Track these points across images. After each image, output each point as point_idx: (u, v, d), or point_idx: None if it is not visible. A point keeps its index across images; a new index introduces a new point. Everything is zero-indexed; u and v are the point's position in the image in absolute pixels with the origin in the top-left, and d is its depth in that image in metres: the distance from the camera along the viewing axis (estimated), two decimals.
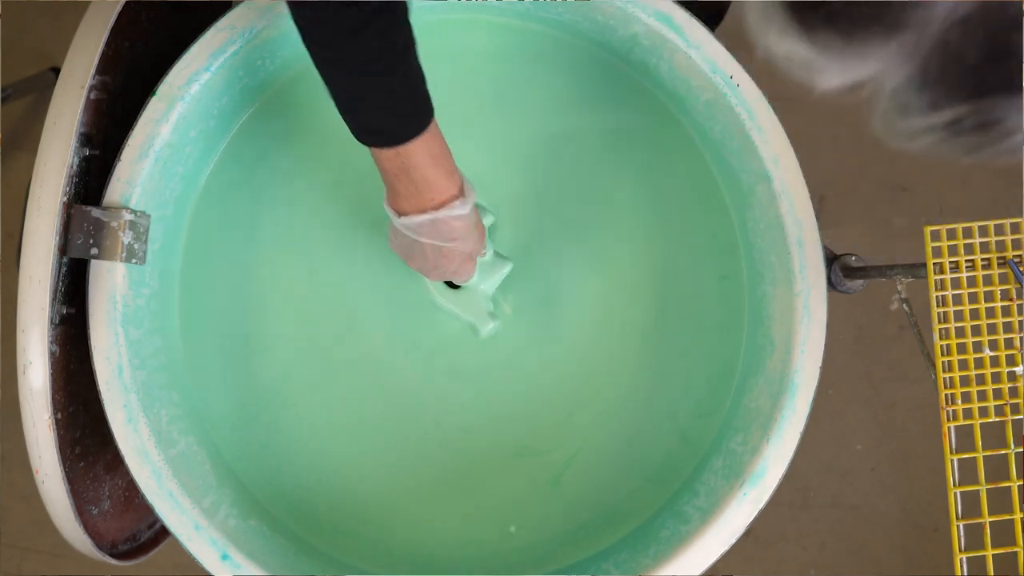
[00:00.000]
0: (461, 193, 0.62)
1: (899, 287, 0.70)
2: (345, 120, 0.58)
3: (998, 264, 0.65)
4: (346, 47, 0.53)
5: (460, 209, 0.61)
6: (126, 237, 0.64)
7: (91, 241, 0.62)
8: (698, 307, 0.75)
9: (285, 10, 0.54)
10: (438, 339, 0.74)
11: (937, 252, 0.65)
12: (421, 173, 0.59)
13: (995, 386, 0.64)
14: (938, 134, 0.45)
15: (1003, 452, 0.63)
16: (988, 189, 1.27)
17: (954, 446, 0.63)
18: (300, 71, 0.74)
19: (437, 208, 0.61)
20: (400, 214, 0.62)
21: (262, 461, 0.72)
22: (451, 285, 0.74)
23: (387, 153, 0.58)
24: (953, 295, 0.65)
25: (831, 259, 0.72)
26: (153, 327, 0.68)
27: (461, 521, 0.73)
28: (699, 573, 0.66)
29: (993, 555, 0.62)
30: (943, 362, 0.64)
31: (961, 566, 0.62)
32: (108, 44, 0.62)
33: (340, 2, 0.51)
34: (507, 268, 0.73)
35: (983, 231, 0.65)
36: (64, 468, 0.60)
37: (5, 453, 1.18)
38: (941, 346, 0.64)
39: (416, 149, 0.58)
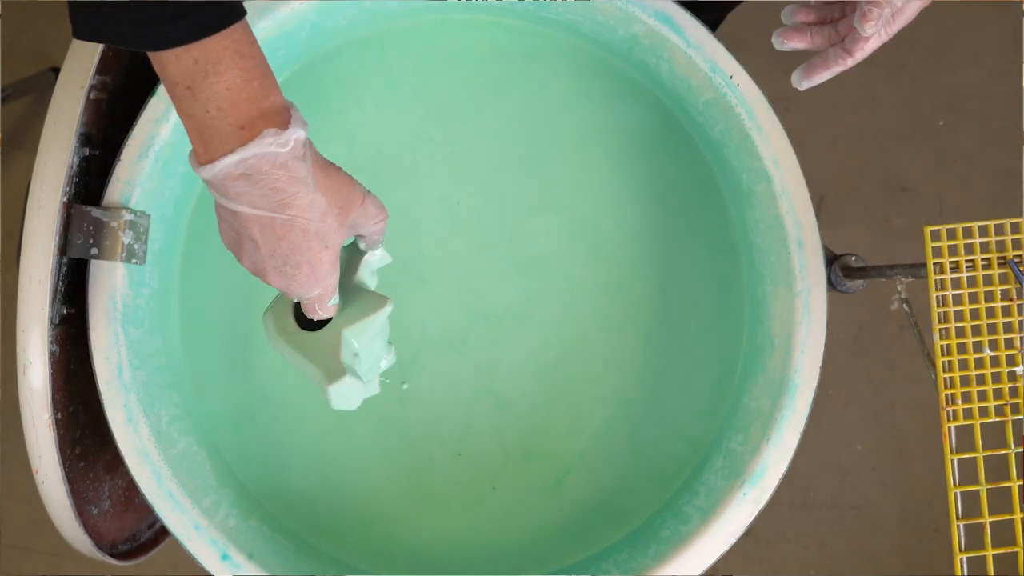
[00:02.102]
0: (284, 118, 0.43)
1: (899, 287, 0.70)
2: (129, 7, 0.39)
3: (998, 264, 0.65)
4: None
5: (283, 140, 0.42)
6: (126, 237, 0.64)
7: (91, 241, 0.62)
8: (698, 307, 0.75)
9: (285, 10, 0.54)
10: (440, 339, 0.74)
11: (937, 252, 0.65)
12: (227, 79, 0.41)
13: (995, 386, 0.64)
14: None
15: (1003, 452, 0.63)
16: (988, 189, 1.27)
17: (954, 446, 0.63)
18: (300, 70, 0.73)
19: (247, 140, 0.41)
20: (202, 161, 0.43)
21: (262, 461, 0.72)
22: (307, 324, 0.52)
23: (177, 52, 0.40)
24: (953, 295, 0.65)
25: (831, 259, 0.72)
26: (153, 327, 0.68)
27: (461, 521, 0.73)
28: (699, 573, 0.66)
29: (993, 555, 0.62)
30: (943, 362, 0.64)
31: (961, 566, 0.62)
32: (108, 44, 0.62)
33: None
34: (383, 308, 0.51)
35: (983, 231, 0.65)
36: (64, 468, 0.60)
37: (5, 453, 1.18)
38: (941, 346, 0.64)
39: (220, 43, 0.40)
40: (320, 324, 0.51)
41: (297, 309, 0.52)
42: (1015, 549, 0.61)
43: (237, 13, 0.41)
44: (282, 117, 0.43)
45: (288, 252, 0.45)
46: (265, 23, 0.67)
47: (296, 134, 0.42)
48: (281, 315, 0.52)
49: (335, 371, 0.50)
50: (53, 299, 0.59)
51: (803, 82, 0.61)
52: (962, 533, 0.62)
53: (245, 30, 0.41)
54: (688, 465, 0.74)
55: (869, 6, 0.55)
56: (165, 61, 0.40)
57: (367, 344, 0.51)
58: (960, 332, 0.65)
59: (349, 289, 0.53)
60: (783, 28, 0.62)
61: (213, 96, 0.41)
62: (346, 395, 0.51)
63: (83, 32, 0.40)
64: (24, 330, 0.58)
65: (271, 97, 0.42)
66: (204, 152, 0.42)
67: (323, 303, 0.50)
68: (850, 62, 0.59)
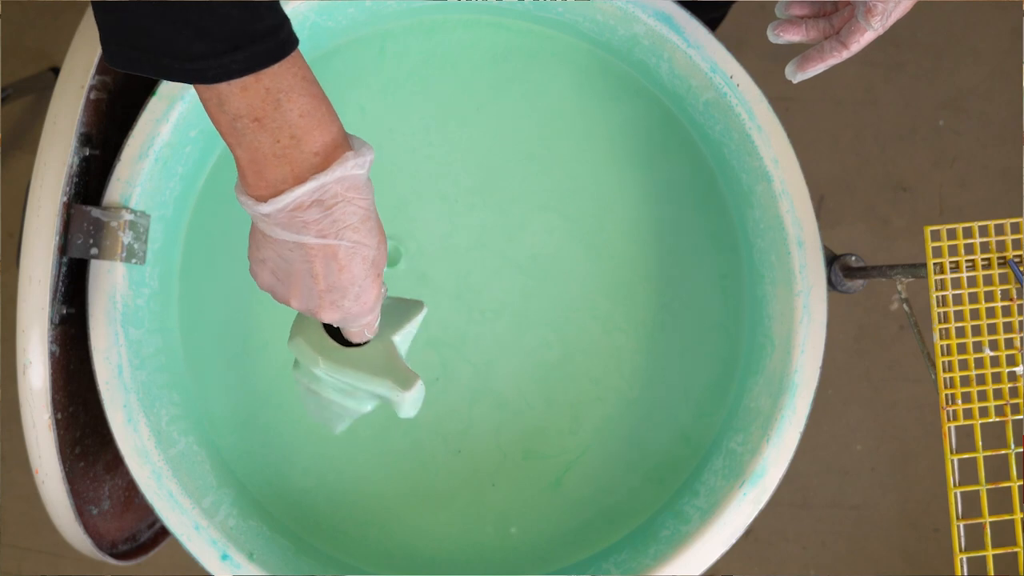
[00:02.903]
0: (348, 140, 0.42)
1: (899, 287, 0.70)
2: (173, 41, 0.36)
3: (998, 264, 0.65)
4: None
5: (358, 163, 0.41)
6: (126, 237, 0.64)
7: (91, 241, 0.62)
8: (698, 307, 0.75)
9: (286, 10, 0.54)
10: (440, 338, 0.74)
11: (937, 252, 0.65)
12: (299, 105, 0.39)
13: (995, 386, 0.64)
14: None
15: (1003, 452, 0.63)
16: (988, 189, 1.27)
17: (954, 446, 0.63)
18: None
19: (326, 165, 0.40)
20: (263, 198, 0.41)
21: (262, 461, 0.72)
22: (341, 342, 0.50)
23: (245, 82, 0.38)
24: (953, 295, 0.65)
25: (831, 259, 0.72)
26: (153, 327, 0.68)
27: (461, 521, 0.73)
28: (699, 573, 0.66)
29: (993, 555, 0.62)
30: (943, 362, 0.64)
31: (961, 566, 0.62)
32: None
33: None
34: (420, 312, 0.52)
35: (983, 231, 0.65)
36: (64, 468, 0.60)
37: (5, 453, 1.18)
38: (941, 346, 0.64)
39: (289, 71, 0.39)
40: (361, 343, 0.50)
41: (330, 329, 0.50)
42: (1015, 549, 0.61)
43: (295, 38, 0.39)
44: (347, 139, 0.42)
45: (347, 283, 0.44)
46: None
47: (370, 156, 0.42)
48: (315, 338, 0.50)
49: (407, 376, 0.48)
50: (53, 299, 0.59)
51: (797, 74, 0.61)
52: (962, 533, 0.62)
53: (301, 54, 0.40)
54: (688, 465, 0.74)
55: (874, 1, 0.55)
56: (227, 94, 0.38)
57: (407, 348, 0.51)
58: (960, 332, 0.65)
59: None
60: (777, 21, 0.62)
61: (286, 125, 0.39)
62: (419, 399, 0.49)
63: (119, 62, 0.38)
64: (24, 330, 0.58)
65: (336, 120, 0.41)
66: (267, 185, 0.40)
67: (372, 326, 0.48)
68: (845, 54, 0.59)
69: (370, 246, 0.43)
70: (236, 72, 0.37)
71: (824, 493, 1.24)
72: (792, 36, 0.62)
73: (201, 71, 0.37)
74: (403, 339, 0.50)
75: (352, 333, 0.48)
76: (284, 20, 0.39)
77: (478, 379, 0.74)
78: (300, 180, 0.40)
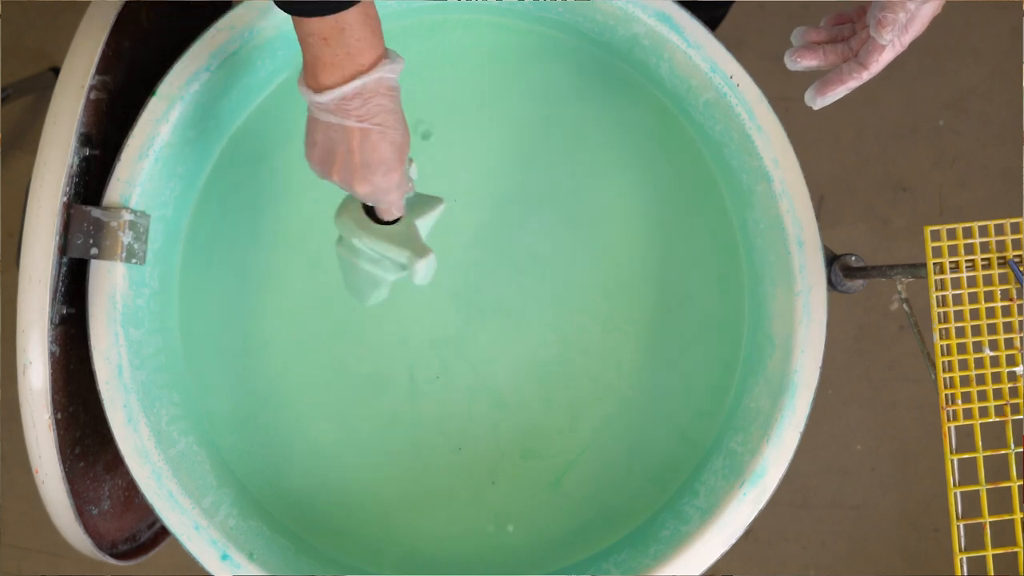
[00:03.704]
0: (389, 56, 0.55)
1: (899, 287, 0.70)
2: None
3: (998, 264, 0.65)
4: None
5: (391, 69, 0.55)
6: (126, 237, 0.64)
7: (91, 241, 0.62)
8: (698, 307, 0.75)
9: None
10: (439, 338, 0.74)
11: (937, 252, 0.65)
12: (356, 33, 0.53)
13: (995, 386, 0.64)
14: None
15: (1003, 452, 0.63)
16: (988, 189, 1.27)
17: (954, 446, 0.63)
18: (300, 70, 0.73)
19: (368, 70, 0.54)
20: (322, 88, 0.54)
21: (262, 461, 0.72)
22: (376, 221, 0.63)
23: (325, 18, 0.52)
24: (953, 295, 0.65)
25: (831, 259, 0.72)
26: (153, 327, 0.68)
27: (461, 521, 0.73)
28: (699, 573, 0.66)
29: (993, 555, 0.62)
30: (943, 362, 0.64)
31: (961, 566, 0.62)
32: (108, 44, 0.62)
33: None
34: (440, 205, 0.64)
35: (983, 231, 0.65)
36: (64, 468, 0.60)
37: (5, 453, 1.18)
38: (941, 346, 0.64)
39: (356, 11, 0.52)
40: (391, 221, 0.62)
41: (367, 210, 0.62)
42: (1015, 549, 0.61)
43: None
44: (388, 55, 0.55)
45: (378, 161, 0.56)
46: (265, 23, 0.67)
47: (401, 65, 0.55)
48: (356, 215, 0.62)
49: (423, 248, 0.60)
50: (53, 299, 0.59)
51: (817, 99, 0.60)
52: (962, 533, 0.62)
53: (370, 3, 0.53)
54: (688, 465, 0.74)
55: (884, 13, 0.55)
56: (307, 20, 0.52)
57: (426, 233, 0.63)
58: (960, 332, 0.65)
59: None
60: (795, 48, 0.61)
61: (343, 45, 0.52)
62: (429, 270, 0.61)
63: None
64: (24, 330, 0.58)
65: (382, 43, 0.54)
66: (325, 80, 0.53)
67: (399, 204, 0.60)
68: (865, 75, 0.58)
69: (397, 131, 0.56)
70: (324, 10, 0.51)
71: (824, 493, 1.24)
72: (810, 62, 0.61)
73: (302, 5, 0.51)
74: (423, 224, 0.62)
75: (382, 211, 0.60)
76: None
77: (477, 378, 0.74)
78: (351, 77, 0.53)
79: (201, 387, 0.72)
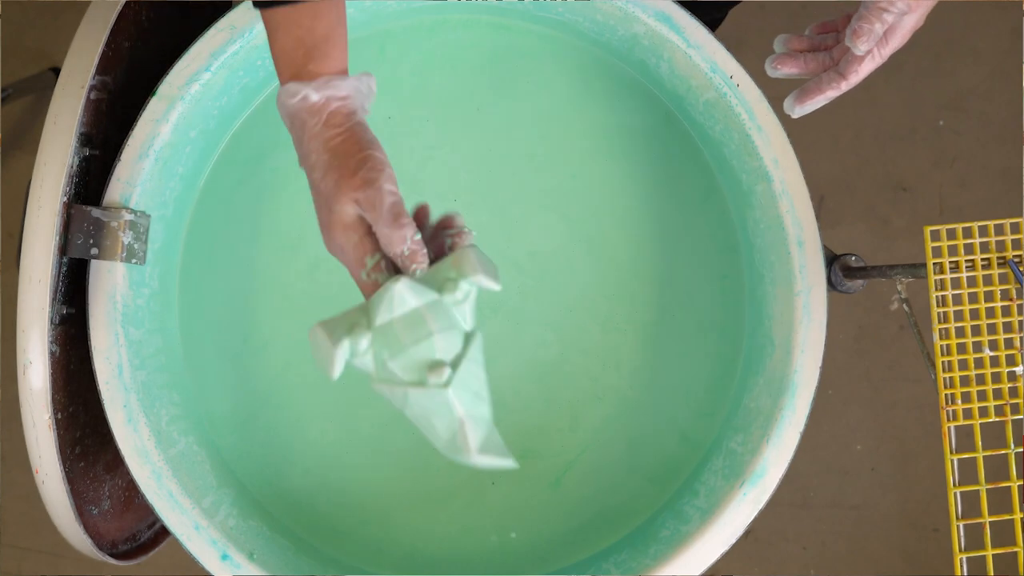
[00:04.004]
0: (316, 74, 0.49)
1: (899, 287, 0.70)
2: None
3: (998, 264, 0.65)
4: None
5: (293, 92, 0.48)
6: (126, 237, 0.64)
7: (91, 241, 0.62)
8: (698, 307, 0.75)
9: None
10: None
11: (937, 252, 0.65)
12: (278, 43, 0.49)
13: (995, 386, 0.64)
14: None
15: (1003, 452, 0.63)
16: (988, 189, 1.27)
17: (954, 446, 0.63)
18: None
19: (345, 70, 0.50)
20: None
21: (262, 461, 0.72)
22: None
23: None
24: (953, 295, 0.65)
25: (831, 259, 0.72)
26: (153, 327, 0.68)
27: (461, 521, 0.73)
28: (699, 573, 0.66)
29: (993, 555, 0.62)
30: (943, 362, 0.64)
31: (961, 566, 0.62)
32: (108, 44, 0.62)
33: None
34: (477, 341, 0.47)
35: (983, 231, 0.65)
36: (64, 468, 0.60)
37: (5, 453, 1.18)
38: (941, 346, 0.64)
39: (285, 13, 0.49)
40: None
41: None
42: (1015, 549, 0.61)
43: None
44: (318, 73, 0.49)
45: (314, 198, 0.50)
46: None
47: (305, 90, 0.48)
48: (352, 318, 0.50)
49: (465, 258, 0.48)
50: (53, 299, 0.59)
51: (796, 108, 0.60)
52: (962, 533, 0.62)
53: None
54: (688, 465, 0.74)
55: (860, 23, 0.55)
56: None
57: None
58: (960, 332, 0.65)
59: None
60: (776, 55, 0.61)
61: (274, 50, 0.49)
62: (491, 268, 0.49)
63: None
64: (24, 330, 0.58)
65: (313, 60, 0.49)
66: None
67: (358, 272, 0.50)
68: (844, 86, 0.58)
69: (312, 172, 0.49)
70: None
71: (824, 493, 1.24)
72: (790, 69, 0.61)
73: None
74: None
75: (392, 246, 0.48)
76: None
77: None
78: (302, 77, 0.50)
79: (201, 387, 0.72)
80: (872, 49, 0.56)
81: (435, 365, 0.43)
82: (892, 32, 0.56)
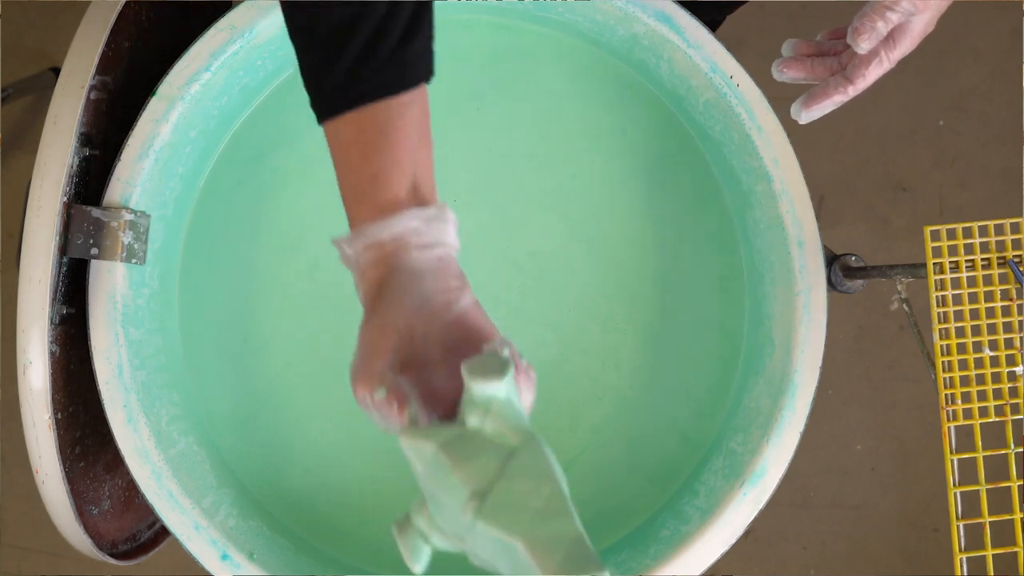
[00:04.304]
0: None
1: (899, 287, 0.70)
2: (330, 67, 0.43)
3: (998, 264, 0.65)
4: None
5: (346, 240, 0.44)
6: (126, 237, 0.64)
7: (91, 241, 0.62)
8: (698, 307, 0.75)
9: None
10: None
11: (937, 252, 0.65)
12: (401, 138, 0.44)
13: (995, 386, 0.64)
14: None
15: (1003, 452, 0.63)
16: (988, 189, 1.27)
17: (954, 446, 0.63)
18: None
19: (394, 209, 0.44)
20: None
21: (262, 461, 0.72)
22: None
23: (383, 107, 0.43)
24: (953, 295, 0.65)
25: (831, 259, 0.72)
26: (153, 327, 0.68)
27: None
28: (699, 573, 0.66)
29: (993, 555, 0.62)
30: (943, 362, 0.64)
31: (961, 566, 0.61)
32: (108, 44, 0.62)
33: None
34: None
35: (983, 231, 0.65)
36: (64, 468, 0.60)
37: (5, 453, 1.18)
38: (941, 346, 0.64)
39: (415, 103, 0.44)
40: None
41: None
42: (1015, 549, 0.61)
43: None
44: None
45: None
46: (265, 23, 0.67)
47: (341, 243, 0.45)
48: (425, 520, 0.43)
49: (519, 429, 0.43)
50: (53, 299, 0.59)
51: (803, 113, 0.59)
52: (962, 533, 0.62)
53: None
54: (688, 465, 0.74)
55: (862, 20, 0.54)
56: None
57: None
58: (960, 332, 0.65)
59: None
60: (783, 59, 0.60)
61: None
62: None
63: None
64: (24, 330, 0.58)
65: (357, 204, 0.46)
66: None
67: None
68: (851, 91, 0.57)
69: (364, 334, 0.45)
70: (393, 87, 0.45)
71: (824, 493, 1.24)
72: (796, 73, 0.60)
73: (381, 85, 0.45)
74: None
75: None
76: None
77: None
78: (371, 217, 0.47)
79: (201, 387, 0.72)
80: (880, 53, 0.55)
81: (466, 502, 0.38)
82: (900, 35, 0.55)
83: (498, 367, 0.40)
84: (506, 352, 0.41)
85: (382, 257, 0.44)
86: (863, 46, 0.54)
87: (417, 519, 0.42)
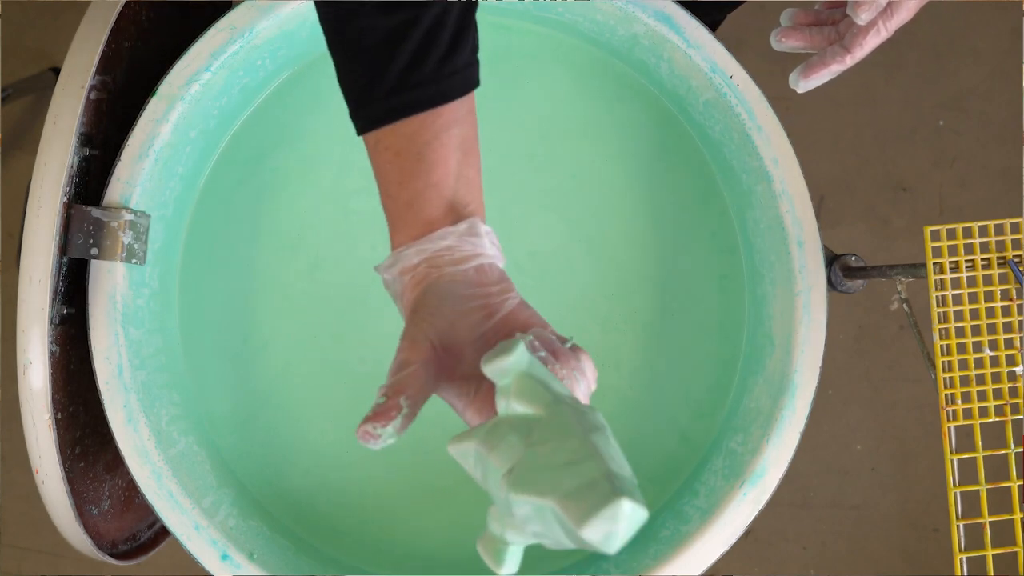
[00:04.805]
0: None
1: (899, 287, 0.70)
2: (386, 69, 0.43)
3: (998, 264, 0.65)
4: None
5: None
6: (126, 237, 0.64)
7: (91, 241, 0.62)
8: (698, 307, 0.75)
9: (285, 9, 0.54)
10: None
11: (937, 252, 0.65)
12: (441, 156, 0.44)
13: (995, 386, 0.64)
14: None
15: (1003, 452, 0.63)
16: (988, 189, 1.27)
17: (954, 446, 0.63)
18: (300, 71, 0.73)
19: (428, 231, 0.45)
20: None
21: (262, 461, 0.72)
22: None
23: (424, 119, 0.43)
24: (953, 295, 0.65)
25: (831, 259, 0.72)
26: (153, 327, 0.68)
27: (461, 521, 0.73)
28: (699, 573, 0.66)
29: (993, 555, 0.62)
30: (943, 362, 0.64)
31: (961, 566, 0.61)
32: (108, 44, 0.62)
33: None
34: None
35: (983, 231, 0.65)
36: (64, 468, 0.60)
37: (5, 453, 1.18)
38: (941, 346, 0.64)
39: (459, 113, 0.45)
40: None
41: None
42: (1015, 549, 0.61)
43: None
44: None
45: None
46: (265, 23, 0.67)
47: (379, 268, 0.46)
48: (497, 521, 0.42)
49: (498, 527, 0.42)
50: (53, 299, 0.59)
51: (801, 83, 0.59)
52: (962, 533, 0.62)
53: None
54: (688, 465, 0.74)
55: None
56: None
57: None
58: (960, 332, 0.65)
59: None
60: (781, 28, 0.61)
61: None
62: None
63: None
64: (24, 330, 0.58)
65: (394, 230, 0.46)
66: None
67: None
68: (848, 60, 0.57)
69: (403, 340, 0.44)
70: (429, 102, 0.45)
71: (824, 493, 1.24)
72: (795, 42, 0.60)
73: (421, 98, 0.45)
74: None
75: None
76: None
77: None
78: (413, 237, 0.46)
79: (201, 387, 0.72)
80: (878, 23, 0.55)
81: (501, 483, 0.38)
82: (898, 5, 0.55)
83: (506, 349, 0.40)
84: (522, 337, 0.41)
85: (417, 278, 0.45)
86: (863, 17, 0.54)
87: (492, 524, 0.41)
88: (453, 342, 0.43)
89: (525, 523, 0.37)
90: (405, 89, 0.43)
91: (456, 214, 0.45)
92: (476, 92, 0.49)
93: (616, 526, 0.33)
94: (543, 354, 0.41)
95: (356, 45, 0.44)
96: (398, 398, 0.41)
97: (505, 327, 0.44)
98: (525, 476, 0.36)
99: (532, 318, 0.45)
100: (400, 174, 0.44)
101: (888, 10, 0.55)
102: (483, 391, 0.43)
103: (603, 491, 0.33)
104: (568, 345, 0.43)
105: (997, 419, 0.64)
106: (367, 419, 0.41)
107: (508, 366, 0.39)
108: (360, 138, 0.46)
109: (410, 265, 0.45)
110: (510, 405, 0.39)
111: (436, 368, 0.43)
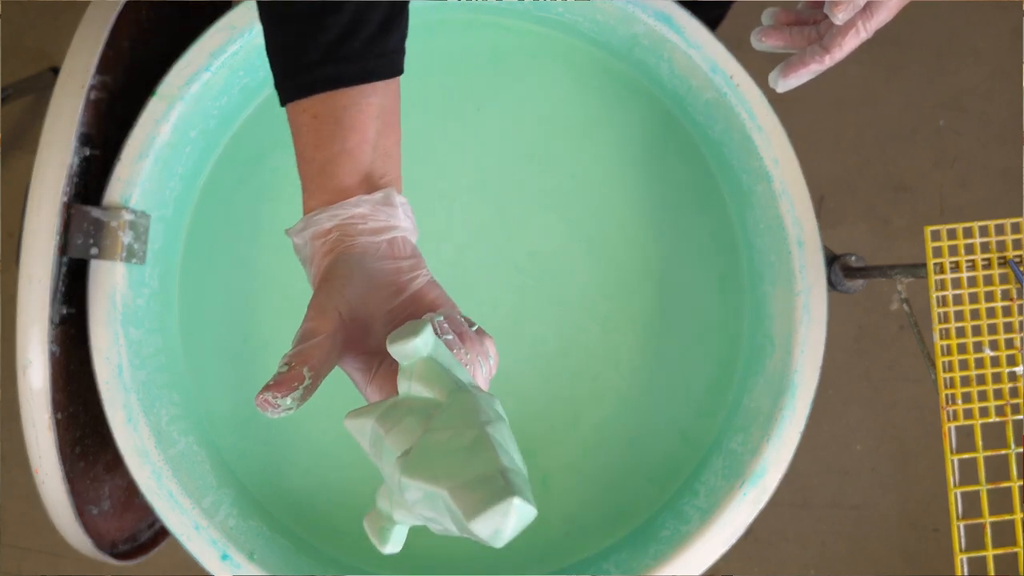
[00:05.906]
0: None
1: (899, 287, 0.70)
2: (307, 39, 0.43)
3: (998, 264, 0.65)
4: None
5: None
6: (126, 237, 0.64)
7: (91, 241, 0.62)
8: (698, 307, 0.75)
9: None
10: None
11: (937, 252, 0.65)
12: (323, 155, 0.44)
13: (995, 386, 0.64)
14: None
15: (1003, 452, 0.63)
16: (988, 189, 1.27)
17: (954, 446, 0.63)
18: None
19: (342, 198, 0.44)
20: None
21: (262, 461, 0.72)
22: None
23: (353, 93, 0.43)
24: (953, 295, 0.65)
25: (831, 259, 0.72)
26: (153, 327, 0.68)
27: None
28: (699, 573, 0.66)
29: (993, 555, 0.61)
30: (943, 362, 0.64)
31: (961, 566, 0.61)
32: (108, 44, 0.62)
33: None
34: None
35: (983, 231, 0.65)
36: (64, 468, 0.60)
37: (5, 453, 1.18)
38: (941, 346, 0.64)
39: (378, 92, 0.44)
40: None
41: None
42: (1015, 549, 0.61)
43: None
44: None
45: None
46: None
47: (290, 232, 0.45)
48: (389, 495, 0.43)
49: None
50: (53, 299, 0.59)
51: (780, 82, 0.58)
52: (962, 533, 0.62)
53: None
54: (688, 465, 0.74)
55: None
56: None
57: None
58: (960, 332, 0.65)
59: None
60: (762, 27, 0.60)
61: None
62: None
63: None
64: (24, 330, 0.58)
65: (306, 192, 0.46)
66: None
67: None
68: (827, 60, 0.57)
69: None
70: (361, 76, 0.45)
71: (824, 493, 1.24)
72: (775, 42, 0.60)
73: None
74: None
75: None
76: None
77: None
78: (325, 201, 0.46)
79: (201, 387, 0.72)
80: (857, 24, 0.55)
81: (395, 464, 0.38)
82: (877, 5, 0.54)
83: (413, 330, 0.39)
84: (431, 318, 0.42)
85: (328, 245, 0.44)
86: (840, 17, 0.54)
87: (380, 502, 0.42)
88: (361, 315, 0.43)
89: (414, 506, 0.37)
90: (331, 62, 0.43)
91: (371, 184, 0.45)
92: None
93: (506, 523, 0.33)
94: (450, 337, 0.42)
95: (288, 10, 0.44)
96: (302, 368, 0.40)
97: (413, 305, 0.44)
98: (420, 461, 0.36)
99: (440, 298, 0.45)
100: (316, 137, 0.44)
101: (867, 11, 0.55)
102: (385, 368, 0.43)
103: (496, 487, 0.33)
104: (474, 328, 0.43)
105: (997, 419, 0.64)
106: (267, 387, 0.39)
107: (414, 348, 0.39)
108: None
109: (322, 230, 0.44)
110: (412, 387, 0.39)
111: (342, 340, 0.42)
